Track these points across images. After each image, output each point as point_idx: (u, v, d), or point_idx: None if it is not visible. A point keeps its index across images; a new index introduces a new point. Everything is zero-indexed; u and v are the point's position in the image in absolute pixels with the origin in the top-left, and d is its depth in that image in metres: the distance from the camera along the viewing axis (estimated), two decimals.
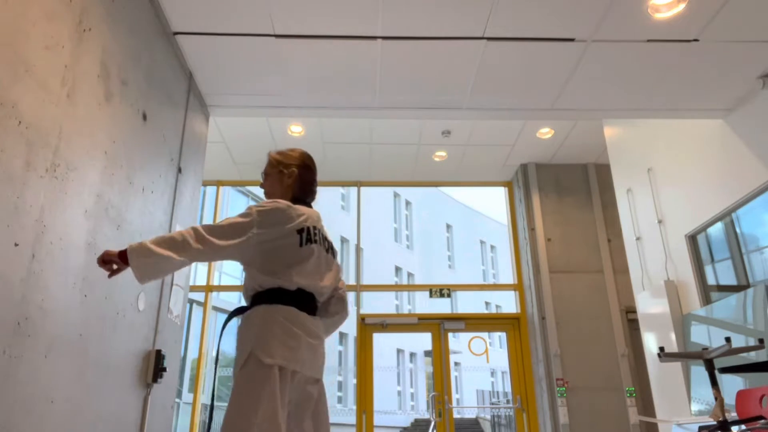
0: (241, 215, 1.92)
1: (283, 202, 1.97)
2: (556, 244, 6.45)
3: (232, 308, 2.00)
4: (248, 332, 1.84)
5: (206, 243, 1.82)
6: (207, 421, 1.93)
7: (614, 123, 5.61)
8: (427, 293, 6.71)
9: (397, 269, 17.87)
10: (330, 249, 2.09)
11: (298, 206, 2.01)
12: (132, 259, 1.77)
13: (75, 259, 2.28)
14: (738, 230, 4.11)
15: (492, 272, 20.82)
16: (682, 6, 3.16)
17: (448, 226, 20.45)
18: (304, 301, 1.93)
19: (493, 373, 17.91)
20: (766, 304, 3.54)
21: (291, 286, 1.89)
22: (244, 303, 1.99)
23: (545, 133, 6.13)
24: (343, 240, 15.15)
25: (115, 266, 1.82)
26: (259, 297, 1.89)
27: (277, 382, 1.74)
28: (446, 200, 19.93)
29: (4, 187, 1.85)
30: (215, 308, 7.70)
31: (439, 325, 6.61)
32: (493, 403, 17.48)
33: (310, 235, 1.97)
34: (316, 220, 2.05)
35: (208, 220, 7.40)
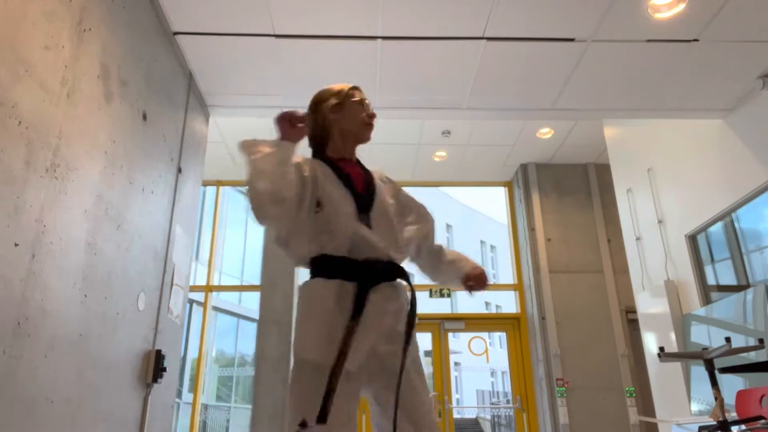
0: None
1: None
2: (556, 244, 6.44)
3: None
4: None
5: None
6: None
7: (614, 123, 5.61)
8: (427, 293, 6.69)
9: None
10: None
11: None
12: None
13: (75, 259, 2.28)
14: (738, 230, 4.11)
15: (492, 272, 20.79)
16: (682, 6, 3.16)
17: (448, 226, 20.43)
18: None
19: (493, 373, 17.89)
20: (766, 304, 3.53)
21: None
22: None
23: (545, 133, 6.12)
24: None
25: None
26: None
27: None
28: (446, 200, 19.90)
29: (4, 187, 1.85)
30: (215, 308, 7.69)
31: (439, 325, 6.61)
32: (493, 403, 17.48)
33: None
34: None
35: (208, 220, 7.35)
